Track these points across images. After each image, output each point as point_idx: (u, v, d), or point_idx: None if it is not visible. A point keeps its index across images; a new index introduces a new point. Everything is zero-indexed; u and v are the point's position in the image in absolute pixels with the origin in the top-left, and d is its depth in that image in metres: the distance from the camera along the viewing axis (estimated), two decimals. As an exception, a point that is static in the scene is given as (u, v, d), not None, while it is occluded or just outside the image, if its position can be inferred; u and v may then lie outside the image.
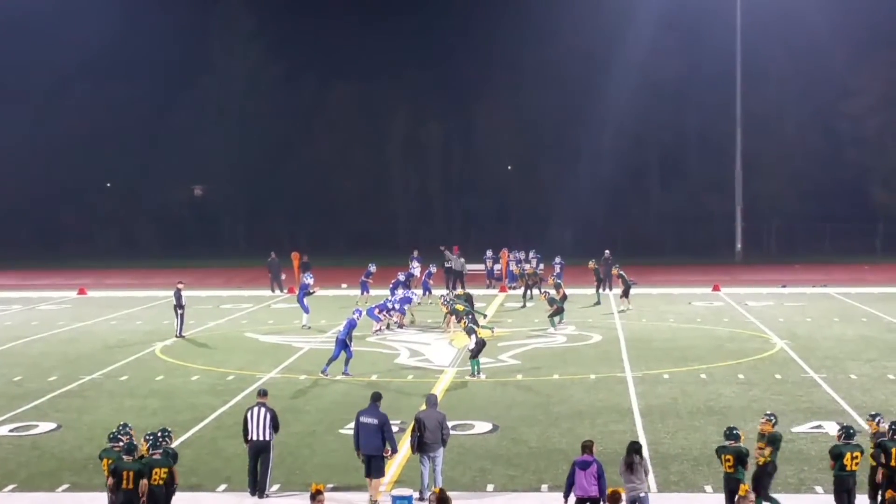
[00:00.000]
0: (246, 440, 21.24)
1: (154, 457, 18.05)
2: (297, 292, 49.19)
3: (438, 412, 20.80)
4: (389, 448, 20.39)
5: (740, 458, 18.52)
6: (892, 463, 18.39)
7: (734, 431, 18.89)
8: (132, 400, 29.71)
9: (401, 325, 43.26)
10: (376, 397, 20.95)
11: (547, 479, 21.51)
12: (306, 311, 43.35)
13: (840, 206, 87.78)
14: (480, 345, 32.46)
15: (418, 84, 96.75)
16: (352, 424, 21.36)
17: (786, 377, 31.81)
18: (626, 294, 49.05)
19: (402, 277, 49.07)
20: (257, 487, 20.89)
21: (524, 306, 50.57)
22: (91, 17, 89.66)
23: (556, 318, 42.30)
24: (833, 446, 18.82)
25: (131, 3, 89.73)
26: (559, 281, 47.38)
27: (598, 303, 50.88)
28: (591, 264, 53.81)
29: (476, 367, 32.38)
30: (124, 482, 17.63)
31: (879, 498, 18.40)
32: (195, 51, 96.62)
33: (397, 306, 43.16)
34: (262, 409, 21.19)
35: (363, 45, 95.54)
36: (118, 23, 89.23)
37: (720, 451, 18.71)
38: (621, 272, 50.25)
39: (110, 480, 17.91)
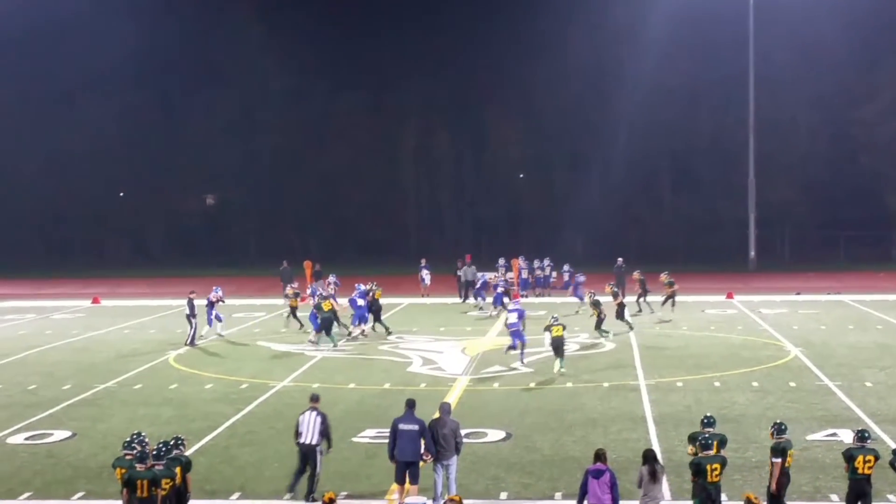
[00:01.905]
0: (296, 442, 21.40)
1: (156, 468, 18.01)
2: (308, 301, 49.37)
3: (452, 420, 20.78)
4: (429, 453, 20.39)
5: (725, 465, 18.50)
6: (861, 471, 18.42)
7: (710, 441, 18.76)
8: (146, 408, 29.74)
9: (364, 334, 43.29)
10: (411, 404, 20.94)
11: (560, 487, 21.46)
12: (316, 328, 42.41)
13: (854, 212, 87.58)
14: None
15: (429, 93, 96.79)
16: (367, 432, 21.37)
17: (800, 385, 31.73)
18: (643, 296, 49.29)
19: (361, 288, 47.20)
20: (308, 490, 21.03)
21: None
22: (101, 28, 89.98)
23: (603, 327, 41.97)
24: (846, 449, 18.79)
25: (141, 15, 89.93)
26: (616, 290, 46.64)
27: (640, 311, 50.05)
28: (664, 277, 51.87)
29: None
30: (139, 490, 17.62)
31: None
32: (206, 61, 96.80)
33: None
34: (314, 414, 21.36)
35: (374, 55, 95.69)
36: (129, 34, 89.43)
37: (705, 462, 18.48)
38: (641, 277, 50.29)
39: (125, 491, 17.90)
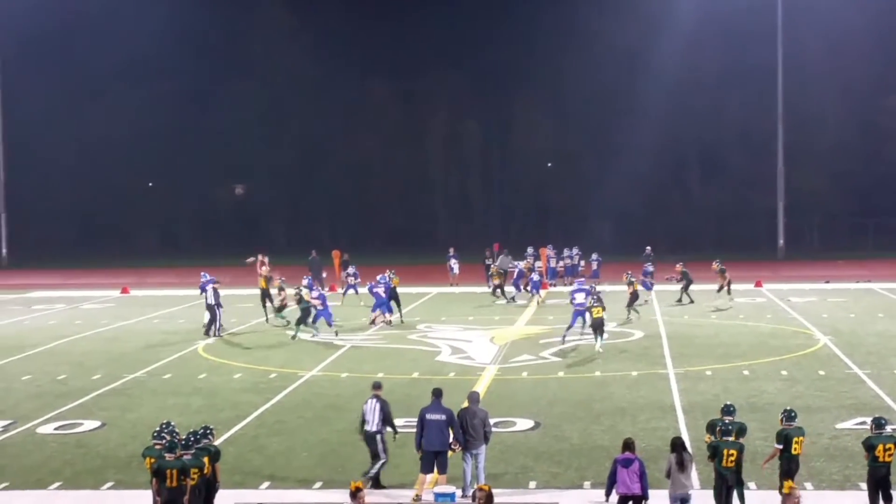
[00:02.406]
0: (363, 430, 21.39)
1: (185, 457, 18.04)
2: (337, 290, 49.53)
3: (481, 409, 20.76)
4: (458, 443, 20.36)
5: (742, 451, 18.56)
6: (881, 459, 18.39)
7: (730, 428, 18.81)
8: (175, 398, 29.83)
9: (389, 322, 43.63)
10: (438, 393, 20.83)
11: (589, 476, 21.43)
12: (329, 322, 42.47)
13: (882, 201, 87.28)
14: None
15: (457, 81, 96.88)
16: (396, 422, 21.37)
17: (829, 373, 31.61)
18: (686, 289, 49.44)
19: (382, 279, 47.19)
20: (366, 471, 21.13)
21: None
22: (131, 17, 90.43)
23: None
24: (866, 438, 18.77)
25: (170, 4, 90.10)
26: (632, 278, 46.33)
27: (691, 301, 49.90)
28: (715, 265, 52.00)
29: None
30: (168, 480, 17.68)
31: None
32: (236, 50, 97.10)
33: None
34: (375, 401, 21.30)
35: (402, 44, 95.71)
36: (158, 22, 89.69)
37: (722, 446, 18.57)
38: (685, 269, 50.36)
39: (154, 481, 17.95)
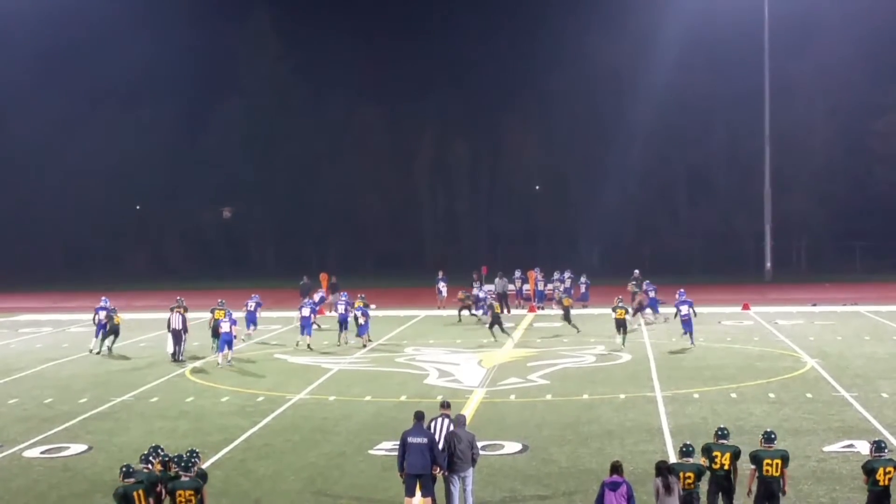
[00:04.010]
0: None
1: (182, 479, 18.01)
2: (325, 313, 49.72)
3: (468, 432, 20.75)
4: (439, 466, 20.30)
5: (700, 474, 18.59)
6: (882, 483, 18.33)
7: (690, 448, 18.91)
8: (162, 421, 29.76)
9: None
10: (420, 416, 20.74)
11: (577, 500, 21.43)
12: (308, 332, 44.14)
13: (869, 223, 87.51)
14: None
15: (445, 104, 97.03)
16: (383, 445, 21.35)
17: (817, 396, 31.64)
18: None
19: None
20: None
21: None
22: (118, 40, 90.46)
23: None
24: (865, 462, 18.70)
25: (159, 26, 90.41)
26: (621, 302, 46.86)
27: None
28: (631, 287, 52.72)
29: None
30: (137, 502, 17.54)
31: None
32: (223, 72, 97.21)
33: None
34: (444, 420, 21.05)
35: (390, 66, 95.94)
36: (146, 45, 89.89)
37: (678, 467, 18.61)
38: (636, 290, 50.93)
39: None
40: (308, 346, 43.73)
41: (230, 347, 40.07)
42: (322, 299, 51.27)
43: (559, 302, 51.13)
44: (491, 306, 48.02)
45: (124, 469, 17.95)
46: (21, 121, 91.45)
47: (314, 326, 46.17)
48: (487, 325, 46.63)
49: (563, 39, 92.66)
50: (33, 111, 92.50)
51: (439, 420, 21.08)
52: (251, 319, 47.72)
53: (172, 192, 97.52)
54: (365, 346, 43.92)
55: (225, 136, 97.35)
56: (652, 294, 52.96)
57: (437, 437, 20.73)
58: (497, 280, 59.29)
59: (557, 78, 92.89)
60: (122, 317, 46.31)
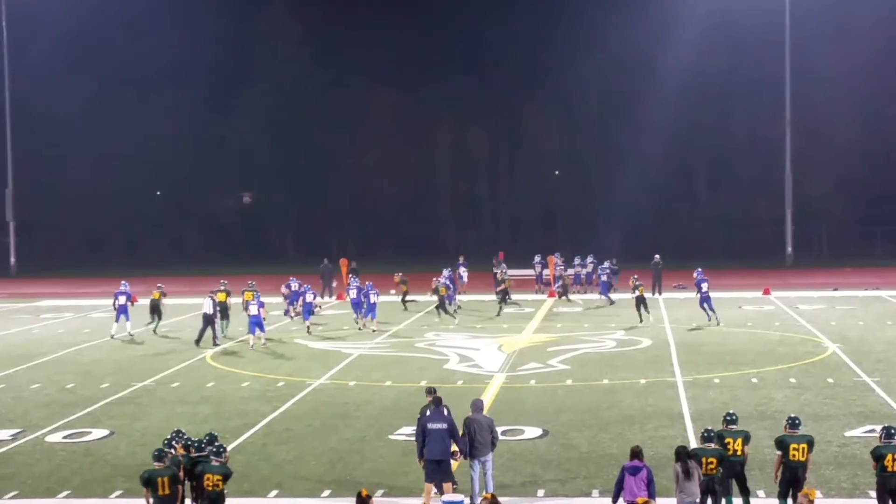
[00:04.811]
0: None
1: (213, 463, 18.12)
2: (345, 298, 49.78)
3: (486, 416, 20.76)
4: (460, 451, 20.29)
5: (722, 459, 18.64)
6: (890, 469, 18.27)
7: (712, 433, 18.98)
8: (183, 406, 29.83)
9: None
10: (438, 402, 20.73)
11: (597, 485, 21.41)
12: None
13: (891, 208, 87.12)
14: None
15: (464, 89, 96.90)
16: (404, 430, 21.34)
17: (838, 381, 31.57)
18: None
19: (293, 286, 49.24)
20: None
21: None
22: (138, 26, 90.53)
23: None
24: (874, 447, 18.69)
25: (178, 12, 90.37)
26: (639, 282, 47.08)
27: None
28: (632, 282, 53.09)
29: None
30: (160, 489, 17.69)
31: None
32: (242, 59, 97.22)
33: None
34: (432, 406, 21.05)
35: (408, 51, 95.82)
36: (165, 31, 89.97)
37: (700, 452, 18.62)
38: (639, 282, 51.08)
39: (146, 492, 17.93)
40: (307, 328, 44.13)
41: (262, 329, 40.32)
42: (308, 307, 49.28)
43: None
44: (436, 290, 48.46)
45: (156, 453, 18.10)
46: (45, 109, 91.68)
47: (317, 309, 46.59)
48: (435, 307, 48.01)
49: (583, 24, 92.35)
50: (57, 100, 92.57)
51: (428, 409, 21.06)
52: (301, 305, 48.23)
53: (192, 178, 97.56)
54: (369, 329, 44.58)
55: (244, 122, 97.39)
56: (604, 278, 53.98)
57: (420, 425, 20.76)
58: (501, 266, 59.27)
59: (577, 63, 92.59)
60: (143, 302, 46.46)
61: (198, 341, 41.07)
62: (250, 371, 35.19)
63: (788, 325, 44.45)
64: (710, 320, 44.42)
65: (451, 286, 50.92)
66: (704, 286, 45.17)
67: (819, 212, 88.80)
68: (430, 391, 21.36)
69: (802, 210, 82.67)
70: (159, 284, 46.24)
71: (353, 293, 46.44)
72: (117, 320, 44.47)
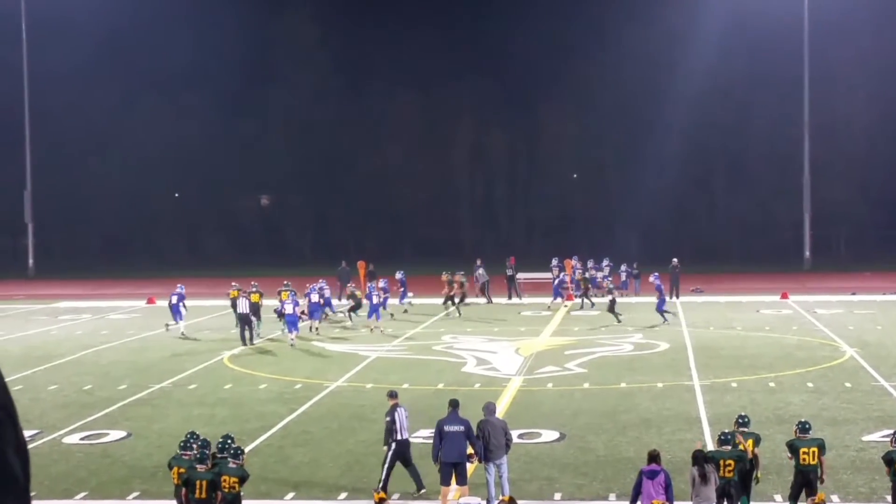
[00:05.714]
0: (393, 440, 21.39)
1: (231, 465, 18.18)
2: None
3: (499, 419, 20.75)
4: (476, 453, 20.30)
5: (740, 461, 18.74)
6: None
7: (729, 437, 19.01)
8: (201, 408, 29.88)
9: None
10: (455, 404, 20.76)
11: (615, 488, 21.38)
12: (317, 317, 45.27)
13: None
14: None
15: (482, 91, 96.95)
16: (420, 433, 21.32)
17: (856, 385, 31.48)
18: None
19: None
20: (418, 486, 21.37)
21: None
22: (157, 29, 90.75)
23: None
24: (886, 452, 18.72)
25: (197, 15, 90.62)
26: (612, 287, 49.13)
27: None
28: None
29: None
30: (197, 491, 17.77)
31: None
32: (261, 61, 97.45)
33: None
34: (399, 409, 21.32)
35: (427, 54, 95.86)
36: (184, 34, 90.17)
37: (718, 455, 18.65)
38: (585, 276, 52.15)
39: (184, 490, 18.05)
40: (316, 329, 44.70)
41: (296, 329, 41.07)
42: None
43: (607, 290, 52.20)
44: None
45: (198, 455, 18.27)
46: (64, 111, 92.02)
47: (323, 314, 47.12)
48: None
49: (600, 26, 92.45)
50: (76, 102, 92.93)
51: (400, 410, 21.23)
52: (328, 304, 49.05)
53: (211, 180, 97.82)
54: (371, 329, 44.90)
55: (263, 124, 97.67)
56: (623, 277, 54.77)
57: (399, 428, 20.94)
58: (479, 271, 59.27)
59: (595, 65, 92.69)
60: (161, 304, 46.63)
61: (248, 341, 41.52)
62: (268, 373, 35.25)
63: (806, 330, 44.35)
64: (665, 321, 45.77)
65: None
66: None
67: (837, 215, 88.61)
68: (392, 394, 22.06)
69: (821, 214, 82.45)
70: (254, 283, 46.40)
71: (375, 298, 46.35)
72: (174, 319, 45.58)
